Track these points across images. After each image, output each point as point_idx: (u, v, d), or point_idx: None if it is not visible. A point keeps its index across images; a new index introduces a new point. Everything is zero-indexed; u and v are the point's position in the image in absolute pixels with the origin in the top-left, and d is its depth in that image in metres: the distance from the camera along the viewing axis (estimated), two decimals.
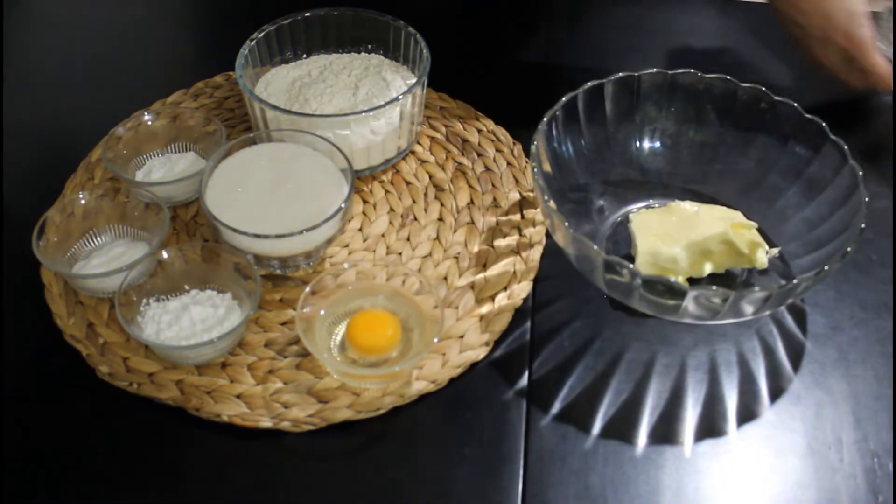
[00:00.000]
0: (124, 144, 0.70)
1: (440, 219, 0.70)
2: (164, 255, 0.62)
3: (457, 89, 0.81)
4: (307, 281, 0.65)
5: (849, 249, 0.56)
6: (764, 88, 0.66)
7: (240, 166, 0.66)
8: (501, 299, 0.64)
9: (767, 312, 0.59)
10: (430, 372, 0.59)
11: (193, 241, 0.68)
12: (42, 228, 0.63)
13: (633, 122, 0.70)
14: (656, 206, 0.69)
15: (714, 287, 0.53)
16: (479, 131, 0.77)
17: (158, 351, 0.59)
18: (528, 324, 0.63)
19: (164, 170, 0.70)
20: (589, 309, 0.64)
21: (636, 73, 0.68)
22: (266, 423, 0.57)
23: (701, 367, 0.61)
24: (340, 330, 0.61)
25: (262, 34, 0.75)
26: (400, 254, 0.67)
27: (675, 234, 0.63)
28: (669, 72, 0.68)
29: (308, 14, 0.77)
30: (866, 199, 0.58)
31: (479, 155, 0.75)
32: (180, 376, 0.59)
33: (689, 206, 0.65)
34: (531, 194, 0.72)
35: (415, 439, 0.57)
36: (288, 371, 0.60)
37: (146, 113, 0.72)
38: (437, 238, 0.69)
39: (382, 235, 0.69)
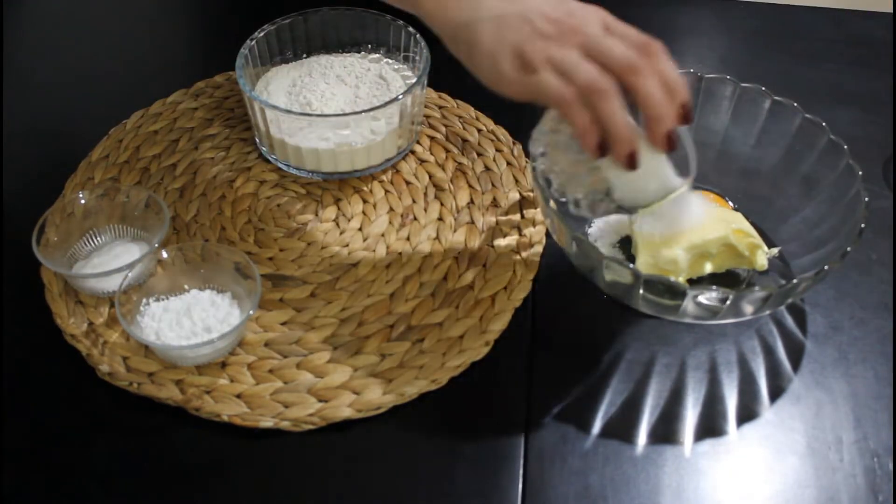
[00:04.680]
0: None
1: (440, 218, 0.70)
2: (164, 255, 0.62)
3: (457, 89, 0.81)
4: (308, 281, 0.65)
5: (849, 249, 0.56)
6: (764, 88, 0.66)
7: None
8: (501, 299, 0.64)
9: (767, 312, 0.59)
10: (430, 371, 0.59)
11: (193, 241, 0.68)
12: (42, 228, 0.63)
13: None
14: None
15: (714, 287, 0.53)
16: (479, 131, 0.77)
17: (158, 351, 0.59)
18: (529, 324, 0.63)
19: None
20: (589, 309, 0.64)
21: None
22: (266, 422, 0.57)
23: (701, 367, 0.61)
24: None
25: (262, 34, 0.75)
26: (400, 253, 0.67)
27: (676, 236, 0.62)
28: None
29: (308, 14, 0.77)
30: (866, 198, 0.58)
31: (479, 155, 0.75)
32: (180, 376, 0.59)
33: None
34: (531, 194, 0.72)
35: (415, 439, 0.57)
36: (288, 371, 0.60)
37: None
38: (437, 238, 0.69)
39: (382, 235, 0.69)
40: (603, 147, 0.52)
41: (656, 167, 0.56)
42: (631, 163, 0.52)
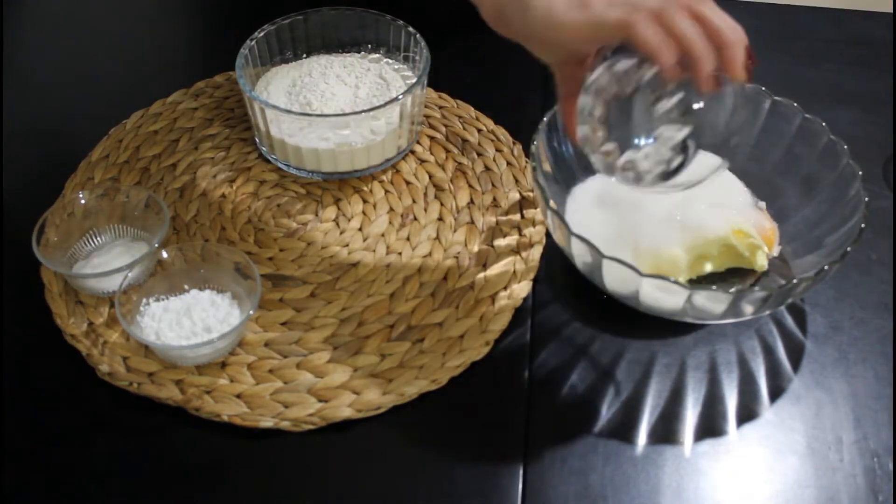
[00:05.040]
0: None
1: (440, 218, 0.70)
2: (164, 255, 0.62)
3: (457, 89, 0.81)
4: (308, 281, 0.65)
5: (849, 249, 0.56)
6: (763, 88, 0.66)
7: None
8: (501, 299, 0.64)
9: (767, 312, 0.59)
10: (430, 371, 0.59)
11: (193, 241, 0.68)
12: (42, 228, 0.63)
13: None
14: None
15: (714, 287, 0.53)
16: (479, 131, 0.77)
17: (158, 351, 0.59)
18: (528, 323, 0.63)
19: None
20: (589, 309, 0.64)
21: None
22: (266, 423, 0.57)
23: (701, 367, 0.61)
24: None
25: (262, 34, 0.75)
26: (400, 253, 0.67)
27: (676, 235, 0.63)
28: None
29: (308, 14, 0.77)
30: (866, 198, 0.58)
31: (479, 155, 0.75)
32: (180, 376, 0.59)
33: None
34: (531, 194, 0.72)
35: (415, 439, 0.57)
36: (288, 371, 0.60)
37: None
38: (437, 238, 0.69)
39: (382, 235, 0.69)
40: (678, 69, 0.49)
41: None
42: (718, 80, 0.49)
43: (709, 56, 0.48)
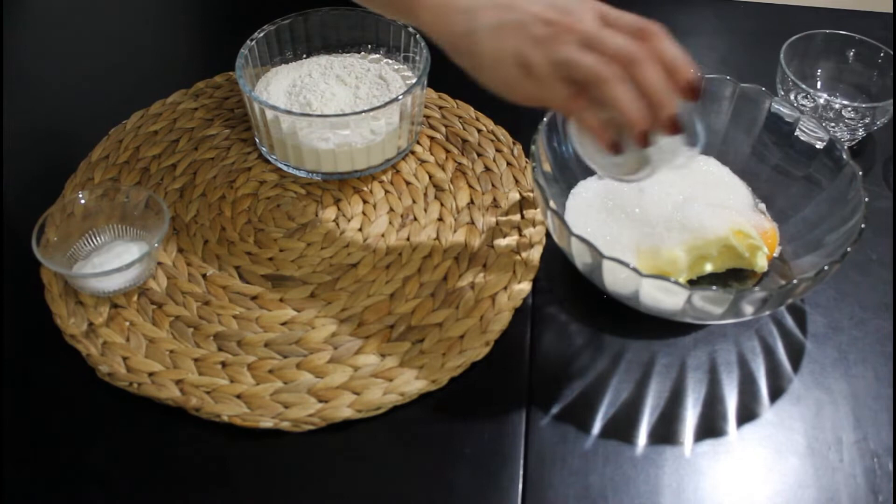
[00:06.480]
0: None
1: (440, 219, 0.70)
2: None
3: (457, 89, 0.81)
4: (308, 281, 0.65)
5: (849, 249, 0.56)
6: (763, 88, 0.66)
7: None
8: (501, 299, 0.64)
9: (767, 312, 0.59)
10: (430, 371, 0.59)
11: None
12: (42, 228, 0.63)
13: None
14: None
15: (714, 287, 0.53)
16: (479, 131, 0.77)
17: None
18: (528, 324, 0.63)
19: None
20: (589, 309, 0.64)
21: None
22: (266, 423, 0.57)
23: (701, 367, 0.61)
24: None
25: (262, 34, 0.75)
26: (400, 254, 0.67)
27: (676, 236, 0.63)
28: None
29: (308, 14, 0.77)
30: (866, 199, 0.58)
31: (479, 155, 0.75)
32: (180, 376, 0.59)
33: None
34: (531, 194, 0.72)
35: (415, 439, 0.57)
36: (288, 371, 0.60)
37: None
38: (437, 238, 0.69)
39: (382, 235, 0.69)
40: (616, 145, 0.53)
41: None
42: (645, 140, 0.52)
43: (641, 123, 0.51)
